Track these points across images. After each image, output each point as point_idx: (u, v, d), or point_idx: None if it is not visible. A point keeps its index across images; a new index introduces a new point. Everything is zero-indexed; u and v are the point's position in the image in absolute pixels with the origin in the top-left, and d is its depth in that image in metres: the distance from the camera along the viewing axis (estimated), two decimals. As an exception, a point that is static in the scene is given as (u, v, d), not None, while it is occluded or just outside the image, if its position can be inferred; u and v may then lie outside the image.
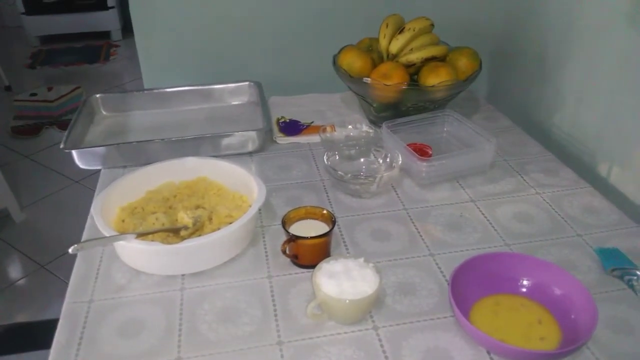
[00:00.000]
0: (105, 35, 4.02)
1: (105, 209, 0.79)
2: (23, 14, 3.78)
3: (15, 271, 1.88)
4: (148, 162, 0.92)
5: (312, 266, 0.72)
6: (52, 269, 1.86)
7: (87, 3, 3.84)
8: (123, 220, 0.82)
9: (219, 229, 0.78)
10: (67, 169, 2.39)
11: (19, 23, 3.88)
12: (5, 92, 3.18)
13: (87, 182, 2.31)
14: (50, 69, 3.57)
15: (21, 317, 1.68)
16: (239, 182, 0.88)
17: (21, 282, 1.83)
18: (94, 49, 3.89)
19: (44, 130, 2.79)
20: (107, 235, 0.73)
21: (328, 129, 1.09)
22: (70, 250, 0.67)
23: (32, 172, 2.43)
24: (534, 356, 0.63)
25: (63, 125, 2.82)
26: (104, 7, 3.88)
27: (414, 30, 1.09)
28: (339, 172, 0.92)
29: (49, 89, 3.03)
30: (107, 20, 3.94)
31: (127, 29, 4.03)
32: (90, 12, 3.88)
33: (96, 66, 3.63)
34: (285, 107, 1.25)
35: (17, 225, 2.08)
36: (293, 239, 0.76)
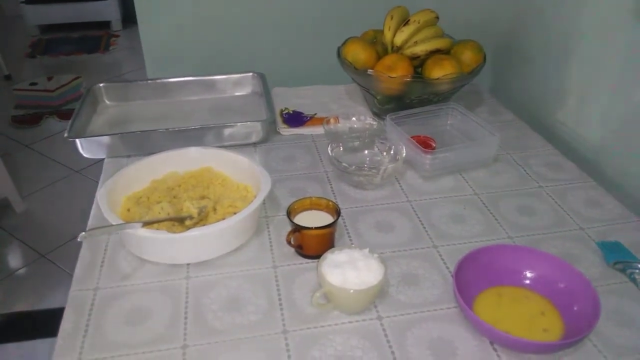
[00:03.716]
0: (105, 25, 4.00)
1: (111, 198, 0.80)
2: (23, 2, 3.76)
3: (15, 260, 1.89)
4: (152, 152, 0.92)
5: (317, 256, 0.72)
6: (52, 258, 1.86)
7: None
8: (128, 209, 0.82)
9: (223, 219, 0.78)
10: (67, 159, 2.39)
11: (19, 12, 3.86)
12: (5, 81, 3.17)
13: (88, 172, 2.31)
14: (49, 59, 3.56)
15: (22, 306, 1.69)
16: (244, 172, 0.89)
17: (21, 271, 1.84)
18: (94, 38, 3.87)
19: (44, 119, 2.78)
20: (114, 223, 0.73)
21: (332, 120, 1.09)
22: (79, 238, 0.68)
23: (32, 162, 2.42)
24: (536, 347, 0.64)
25: (63, 115, 2.82)
26: (104, -4, 3.86)
27: (418, 23, 1.09)
28: (343, 164, 0.93)
29: (49, 79, 3.02)
30: (107, 10, 3.92)
31: (127, 19, 4.01)
32: (90, 1, 3.86)
33: (96, 56, 3.61)
34: (288, 99, 1.25)
35: (17, 214, 2.08)
36: (298, 229, 0.76)
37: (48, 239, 1.94)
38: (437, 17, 1.12)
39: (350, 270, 0.68)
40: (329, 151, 0.96)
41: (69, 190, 2.23)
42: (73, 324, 0.68)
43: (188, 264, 0.77)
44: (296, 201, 0.81)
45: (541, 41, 1.23)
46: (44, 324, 1.61)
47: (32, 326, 1.62)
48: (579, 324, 0.65)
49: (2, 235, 1.98)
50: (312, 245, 0.77)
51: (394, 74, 1.05)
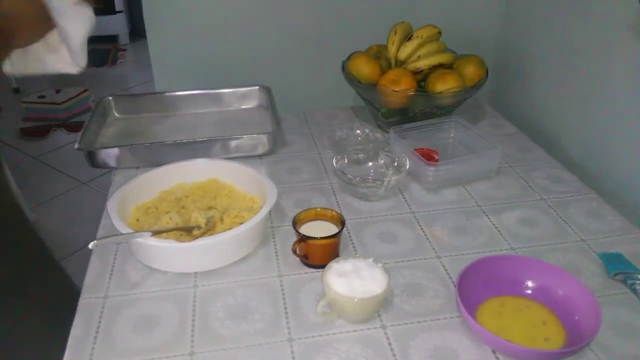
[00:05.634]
0: (113, 39, 4.06)
1: (120, 208, 0.81)
2: (32, 17, 3.82)
3: (22, 270, 1.90)
4: (160, 164, 0.94)
5: (322, 266, 0.73)
6: (59, 268, 1.87)
7: (95, 7, 3.87)
8: (137, 219, 0.84)
9: (230, 229, 0.79)
10: (75, 171, 2.42)
11: (28, 26, 3.92)
12: (14, 94, 3.22)
13: (95, 184, 2.33)
14: (58, 72, 3.60)
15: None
16: (250, 183, 0.90)
17: (28, 281, 1.85)
18: (102, 52, 3.93)
19: (52, 132, 2.82)
20: (124, 232, 0.75)
21: (337, 133, 1.11)
22: (90, 246, 0.69)
23: (40, 174, 2.45)
24: (538, 355, 0.65)
25: (71, 128, 2.85)
26: (112, 11, 3.92)
27: (421, 38, 1.11)
28: (348, 176, 0.94)
29: (57, 91, 3.06)
30: (115, 24, 3.98)
31: (134, 33, 4.07)
32: (98, 15, 3.86)
33: (103, 69, 3.66)
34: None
35: (25, 225, 2.09)
36: (303, 239, 0.78)
37: (56, 250, 1.95)
38: (440, 33, 1.14)
39: (355, 279, 0.69)
40: (334, 163, 0.97)
41: (76, 202, 2.25)
42: (83, 332, 0.69)
43: (195, 273, 0.79)
44: (301, 212, 0.83)
45: (543, 55, 1.25)
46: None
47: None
48: (580, 334, 0.66)
49: (9, 245, 2.00)
50: (317, 255, 0.79)
51: (397, 88, 1.07)
